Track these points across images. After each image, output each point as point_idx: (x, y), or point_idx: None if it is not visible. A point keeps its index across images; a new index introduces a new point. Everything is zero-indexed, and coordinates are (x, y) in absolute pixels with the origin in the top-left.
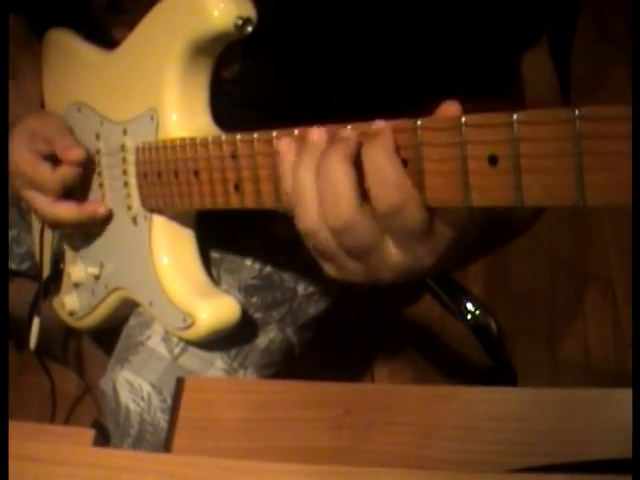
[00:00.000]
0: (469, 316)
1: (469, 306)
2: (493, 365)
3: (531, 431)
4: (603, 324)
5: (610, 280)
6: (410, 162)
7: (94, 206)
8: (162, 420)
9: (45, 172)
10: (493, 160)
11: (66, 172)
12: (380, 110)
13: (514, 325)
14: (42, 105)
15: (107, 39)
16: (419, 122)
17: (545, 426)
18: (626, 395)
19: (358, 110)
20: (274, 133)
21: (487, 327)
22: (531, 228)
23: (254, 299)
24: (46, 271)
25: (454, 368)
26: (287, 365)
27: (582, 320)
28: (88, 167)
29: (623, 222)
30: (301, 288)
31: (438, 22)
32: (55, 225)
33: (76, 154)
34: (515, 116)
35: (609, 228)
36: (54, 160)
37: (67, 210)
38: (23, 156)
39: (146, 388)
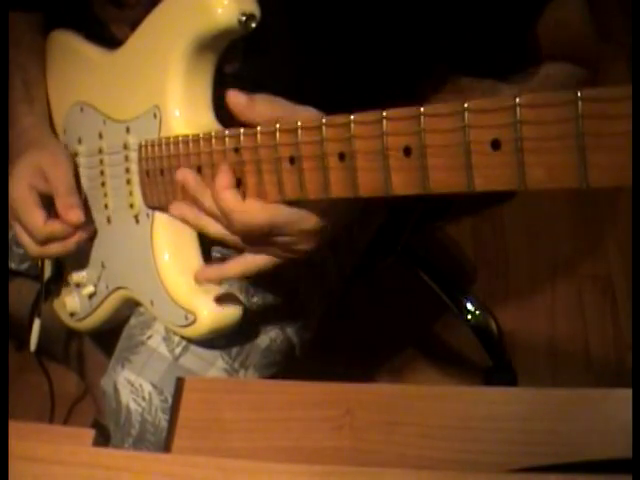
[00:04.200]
0: (469, 316)
1: (469, 306)
2: (493, 365)
3: (531, 431)
4: (603, 324)
5: (610, 280)
6: (413, 149)
7: (78, 237)
8: (163, 420)
9: (37, 220)
10: (496, 144)
11: (58, 229)
12: (385, 100)
13: (514, 325)
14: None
15: (107, 36)
16: (422, 109)
17: (545, 426)
18: (626, 395)
19: (363, 99)
20: (277, 125)
21: (487, 327)
22: None
23: (255, 299)
24: (47, 272)
25: (454, 368)
26: (287, 365)
27: (582, 320)
28: (91, 166)
29: (623, 222)
30: (303, 288)
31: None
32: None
33: (76, 217)
34: (518, 99)
35: (609, 228)
36: (49, 201)
37: (53, 249)
38: (21, 192)
39: (147, 388)
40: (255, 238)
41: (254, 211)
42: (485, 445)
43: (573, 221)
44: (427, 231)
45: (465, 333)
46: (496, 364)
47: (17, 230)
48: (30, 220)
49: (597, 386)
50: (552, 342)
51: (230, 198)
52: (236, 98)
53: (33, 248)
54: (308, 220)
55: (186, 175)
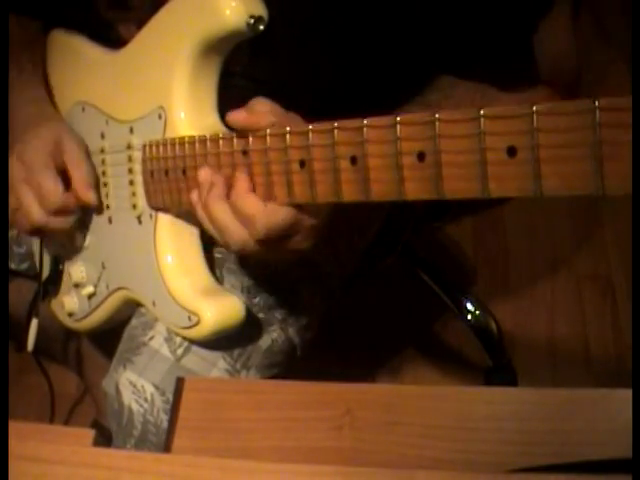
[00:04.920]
0: (469, 316)
1: (469, 306)
2: (493, 365)
3: (531, 431)
4: (603, 324)
5: (610, 280)
6: (427, 154)
7: (92, 204)
8: (165, 421)
9: (55, 187)
10: (512, 151)
11: (73, 202)
12: (389, 99)
13: (514, 325)
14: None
15: (112, 37)
16: (437, 115)
17: (545, 426)
18: (626, 395)
19: (369, 99)
20: (287, 128)
21: (487, 327)
22: None
23: (256, 299)
24: (46, 272)
25: (454, 368)
26: (288, 365)
27: (582, 320)
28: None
29: (623, 222)
30: (304, 289)
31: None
32: (35, 233)
33: (90, 197)
34: (535, 107)
35: (609, 228)
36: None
37: (56, 223)
38: (43, 159)
39: (149, 389)
40: (272, 240)
41: (277, 213)
42: (485, 445)
43: (573, 221)
44: (427, 231)
45: (465, 333)
46: (496, 364)
47: (23, 195)
48: (46, 185)
49: (597, 386)
50: (552, 342)
51: (254, 201)
52: (237, 115)
53: (38, 216)
54: (314, 218)
55: (207, 174)
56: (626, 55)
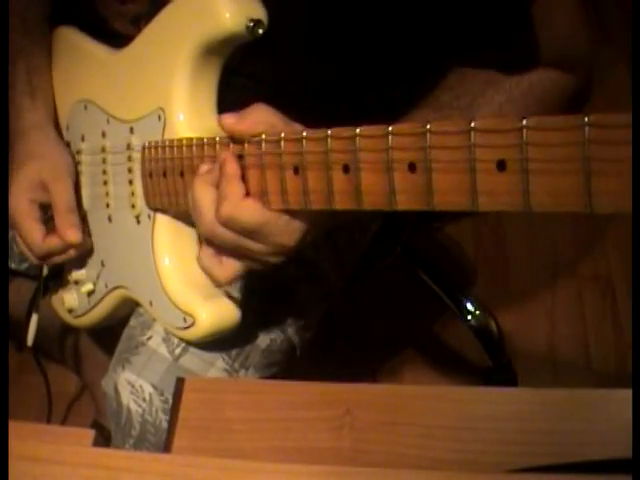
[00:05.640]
0: (469, 316)
1: (469, 306)
2: (493, 365)
3: (531, 431)
4: (603, 324)
5: (610, 280)
6: (418, 165)
7: (76, 250)
8: (164, 421)
9: (35, 236)
10: (502, 165)
11: (56, 246)
12: (393, 97)
13: (514, 325)
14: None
15: (108, 32)
16: (428, 126)
17: (545, 426)
18: (626, 395)
19: (372, 102)
20: (282, 134)
21: (487, 327)
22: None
23: (255, 299)
24: (45, 268)
25: (454, 368)
26: (288, 365)
27: (582, 320)
28: (93, 164)
29: (623, 222)
30: (303, 288)
31: None
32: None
33: (74, 237)
34: (525, 122)
35: (609, 228)
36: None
37: (52, 261)
38: (22, 206)
39: (147, 389)
40: (234, 230)
41: (246, 210)
42: (485, 445)
43: (573, 222)
44: (427, 231)
45: (465, 333)
46: (496, 364)
47: (17, 239)
48: (29, 236)
49: (597, 386)
50: (552, 342)
51: (237, 187)
52: (225, 119)
53: (33, 259)
54: (284, 236)
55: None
56: (626, 55)
